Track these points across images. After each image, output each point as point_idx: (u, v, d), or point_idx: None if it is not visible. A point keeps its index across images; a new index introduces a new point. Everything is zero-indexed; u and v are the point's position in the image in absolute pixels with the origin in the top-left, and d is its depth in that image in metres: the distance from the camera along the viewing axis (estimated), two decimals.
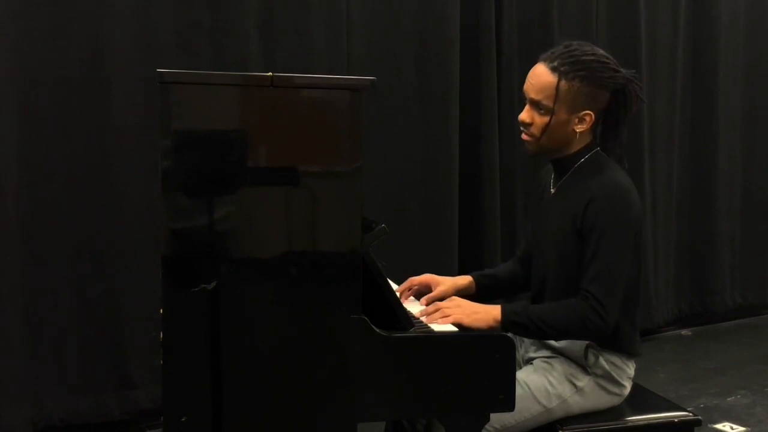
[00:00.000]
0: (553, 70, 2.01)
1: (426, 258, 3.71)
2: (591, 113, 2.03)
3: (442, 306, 1.96)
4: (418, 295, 2.25)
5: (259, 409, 1.62)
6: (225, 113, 1.58)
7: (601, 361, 2.06)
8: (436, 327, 1.87)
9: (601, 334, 1.96)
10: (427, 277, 2.26)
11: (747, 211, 5.16)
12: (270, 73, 1.58)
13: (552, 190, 2.15)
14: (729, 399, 3.68)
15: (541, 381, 2.04)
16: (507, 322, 1.93)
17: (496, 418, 1.90)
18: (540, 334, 1.97)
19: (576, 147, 2.08)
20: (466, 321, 1.91)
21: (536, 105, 2.04)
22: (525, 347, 2.22)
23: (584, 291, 1.94)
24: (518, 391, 1.82)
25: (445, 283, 2.24)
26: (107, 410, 3.15)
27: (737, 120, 5.05)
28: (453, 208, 3.87)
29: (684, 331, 4.90)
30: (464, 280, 2.29)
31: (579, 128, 2.04)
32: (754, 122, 5.14)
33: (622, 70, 2.06)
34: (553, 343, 2.10)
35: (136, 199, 3.14)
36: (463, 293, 2.21)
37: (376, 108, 3.56)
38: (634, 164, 4.49)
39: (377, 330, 1.63)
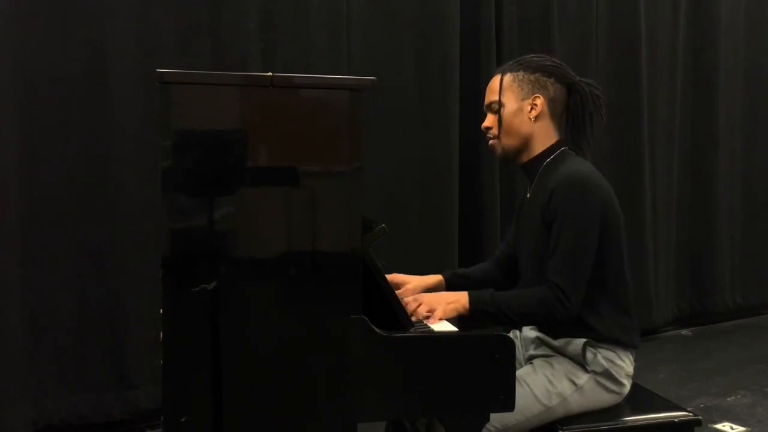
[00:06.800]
0: (500, 72, 2.17)
1: (426, 257, 3.72)
2: (540, 96, 2.09)
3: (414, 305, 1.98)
4: None
5: (259, 409, 1.62)
6: (225, 113, 1.58)
7: (599, 358, 2.06)
8: (436, 327, 1.87)
9: (566, 320, 1.99)
10: (394, 277, 2.27)
11: (747, 211, 5.17)
12: (270, 73, 1.58)
13: (528, 196, 2.18)
14: (729, 399, 3.68)
15: (541, 380, 2.04)
16: (475, 310, 1.96)
17: (497, 418, 1.91)
18: (507, 321, 1.99)
19: (540, 147, 2.12)
20: (440, 311, 1.94)
21: (489, 108, 2.16)
22: (525, 346, 2.22)
23: (548, 281, 1.97)
24: (519, 390, 1.82)
25: (412, 281, 2.27)
26: (107, 410, 3.16)
27: (737, 120, 5.05)
28: (453, 207, 3.87)
29: (684, 331, 4.90)
30: (433, 279, 2.30)
31: (532, 114, 2.09)
32: (754, 122, 5.14)
33: (573, 73, 2.14)
34: (551, 341, 2.11)
35: (136, 199, 3.14)
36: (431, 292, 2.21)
37: (376, 108, 3.56)
38: (634, 164, 4.51)
39: (377, 330, 1.63)
